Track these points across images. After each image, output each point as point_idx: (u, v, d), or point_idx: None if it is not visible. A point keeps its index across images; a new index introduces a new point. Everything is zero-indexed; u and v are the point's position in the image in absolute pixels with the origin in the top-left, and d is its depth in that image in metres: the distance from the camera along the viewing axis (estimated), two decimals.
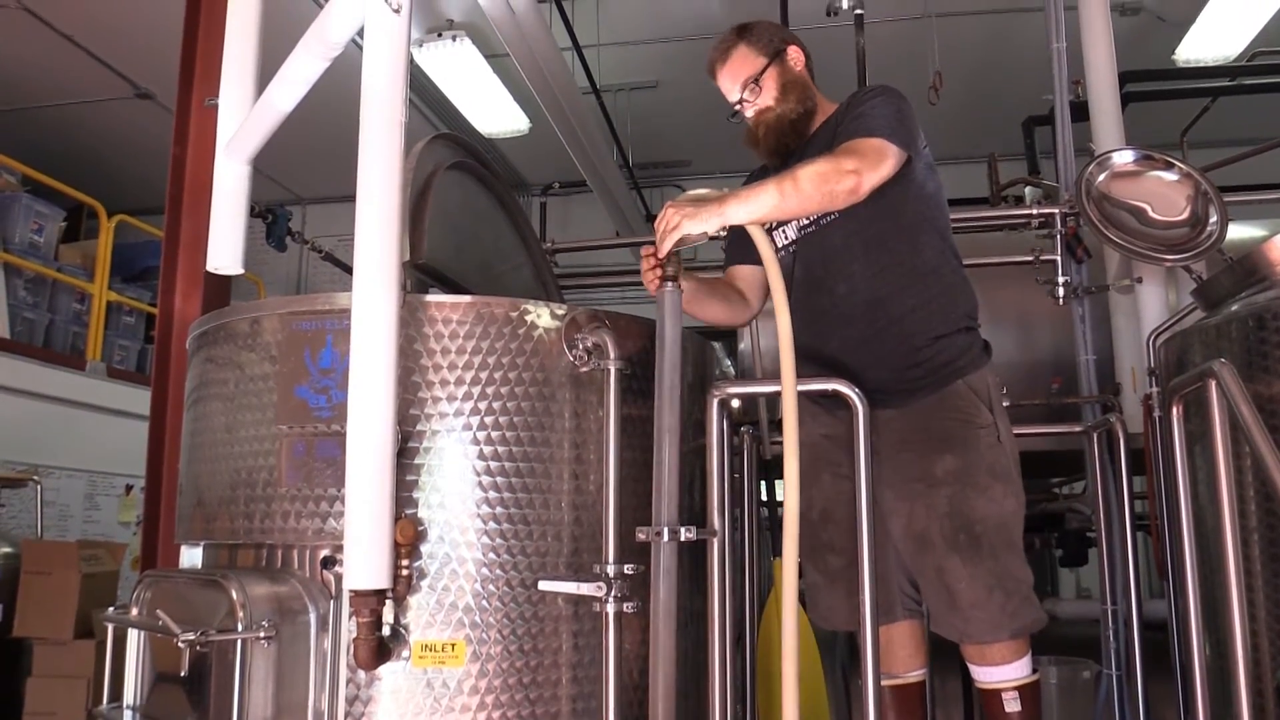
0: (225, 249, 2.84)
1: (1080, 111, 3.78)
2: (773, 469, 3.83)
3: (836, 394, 2.07)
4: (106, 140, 8.09)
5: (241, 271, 2.89)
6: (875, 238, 2.38)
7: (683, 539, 1.99)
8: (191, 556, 2.48)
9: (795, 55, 2.56)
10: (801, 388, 2.11)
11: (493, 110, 7.10)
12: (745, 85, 2.51)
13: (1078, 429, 2.96)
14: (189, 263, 3.27)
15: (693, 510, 2.39)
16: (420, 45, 6.06)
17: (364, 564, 1.89)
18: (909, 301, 2.37)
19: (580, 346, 2.18)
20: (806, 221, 2.45)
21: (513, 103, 6.99)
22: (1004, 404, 2.40)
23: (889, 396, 2.36)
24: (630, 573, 2.04)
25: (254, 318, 2.29)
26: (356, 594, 1.91)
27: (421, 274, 2.43)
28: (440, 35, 6.29)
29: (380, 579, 1.90)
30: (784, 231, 2.51)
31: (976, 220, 3.88)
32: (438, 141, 2.60)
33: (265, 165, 3.89)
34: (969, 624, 2.29)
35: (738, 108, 2.56)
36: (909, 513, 2.33)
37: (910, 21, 6.04)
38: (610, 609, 2.02)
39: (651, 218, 7.65)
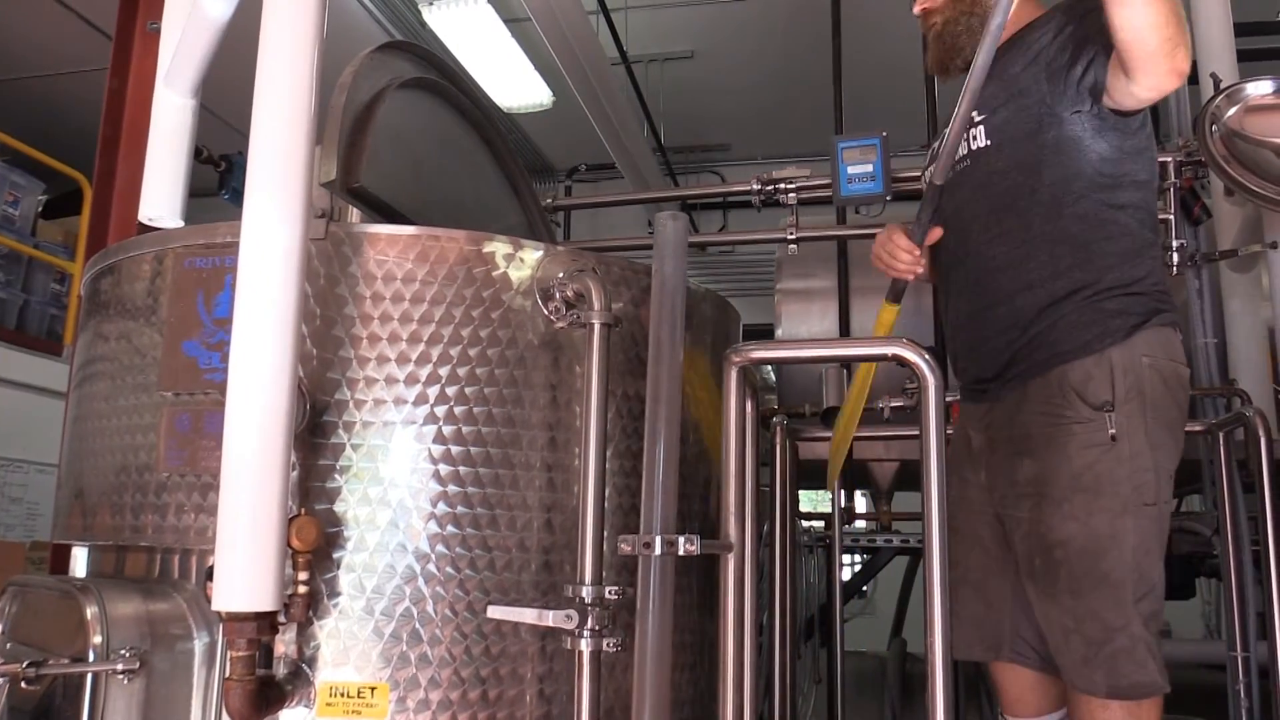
0: (161, 196, 2.41)
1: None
2: (812, 475, 3.21)
3: (899, 360, 1.50)
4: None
5: (180, 224, 2.44)
6: (1003, 197, 1.89)
7: (682, 552, 1.44)
8: (81, 560, 2.01)
9: None
10: (849, 351, 1.55)
11: (512, 81, 6.54)
12: None
13: (1197, 428, 2.33)
14: (123, 216, 2.80)
15: (707, 519, 1.92)
16: (432, 3, 5.56)
17: (240, 576, 1.39)
18: (1028, 276, 1.86)
19: (558, 296, 1.67)
20: (963, 151, 1.96)
21: (534, 73, 6.45)
22: (1166, 397, 1.78)
23: (987, 386, 1.95)
24: (614, 597, 1.51)
25: (140, 255, 1.81)
26: (231, 618, 1.40)
27: (367, 208, 1.91)
28: None
29: (263, 598, 1.40)
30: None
31: None
32: (392, 51, 2.09)
33: (223, 108, 3.43)
34: (1063, 671, 1.81)
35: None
36: (1007, 527, 1.89)
37: None
38: (585, 646, 1.51)
39: (686, 207, 7.12)
